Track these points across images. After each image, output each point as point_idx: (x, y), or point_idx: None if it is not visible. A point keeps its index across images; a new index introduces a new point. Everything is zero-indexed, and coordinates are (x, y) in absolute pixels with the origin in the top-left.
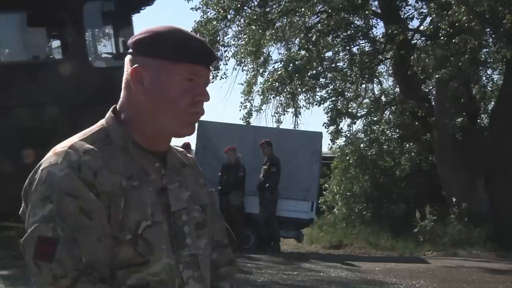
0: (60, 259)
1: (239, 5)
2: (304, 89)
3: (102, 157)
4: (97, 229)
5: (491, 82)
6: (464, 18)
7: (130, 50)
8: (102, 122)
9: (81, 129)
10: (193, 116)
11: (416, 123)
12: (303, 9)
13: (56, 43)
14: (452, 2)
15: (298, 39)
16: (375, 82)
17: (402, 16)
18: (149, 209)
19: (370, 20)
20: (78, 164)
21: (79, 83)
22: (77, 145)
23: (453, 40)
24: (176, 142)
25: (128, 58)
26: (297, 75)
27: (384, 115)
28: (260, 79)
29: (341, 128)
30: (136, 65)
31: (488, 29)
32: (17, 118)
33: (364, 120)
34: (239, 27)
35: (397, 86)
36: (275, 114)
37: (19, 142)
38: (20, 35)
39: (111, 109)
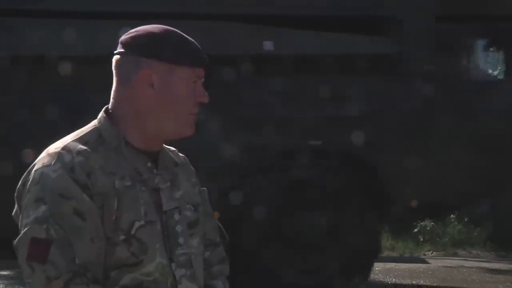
0: (53, 261)
1: None
2: None
3: (95, 158)
4: (90, 230)
5: None
6: None
7: (123, 49)
8: (94, 123)
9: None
10: (194, 117)
11: None
12: None
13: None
14: None
15: None
16: None
17: None
18: (142, 209)
19: None
20: (71, 165)
21: None
22: (70, 146)
23: None
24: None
25: (125, 56)
26: None
27: None
28: None
29: None
30: (144, 67)
31: None
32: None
33: None
34: None
35: None
36: None
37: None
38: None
39: (103, 109)
